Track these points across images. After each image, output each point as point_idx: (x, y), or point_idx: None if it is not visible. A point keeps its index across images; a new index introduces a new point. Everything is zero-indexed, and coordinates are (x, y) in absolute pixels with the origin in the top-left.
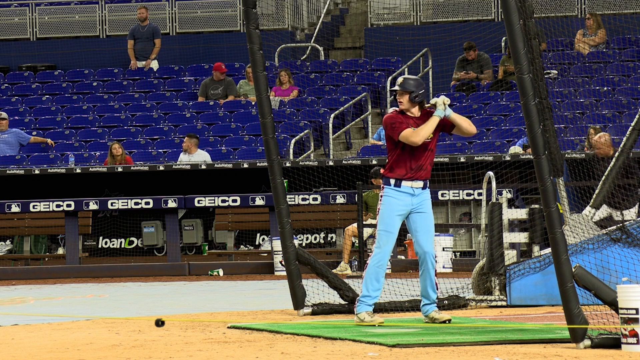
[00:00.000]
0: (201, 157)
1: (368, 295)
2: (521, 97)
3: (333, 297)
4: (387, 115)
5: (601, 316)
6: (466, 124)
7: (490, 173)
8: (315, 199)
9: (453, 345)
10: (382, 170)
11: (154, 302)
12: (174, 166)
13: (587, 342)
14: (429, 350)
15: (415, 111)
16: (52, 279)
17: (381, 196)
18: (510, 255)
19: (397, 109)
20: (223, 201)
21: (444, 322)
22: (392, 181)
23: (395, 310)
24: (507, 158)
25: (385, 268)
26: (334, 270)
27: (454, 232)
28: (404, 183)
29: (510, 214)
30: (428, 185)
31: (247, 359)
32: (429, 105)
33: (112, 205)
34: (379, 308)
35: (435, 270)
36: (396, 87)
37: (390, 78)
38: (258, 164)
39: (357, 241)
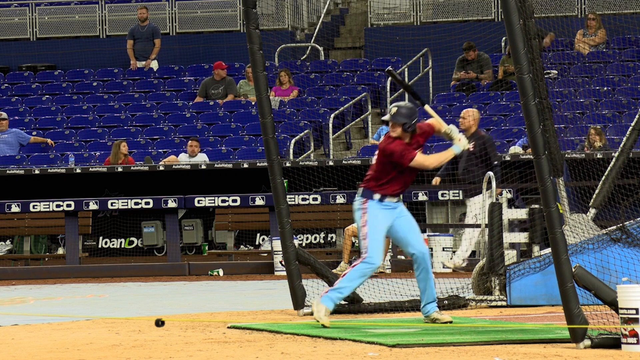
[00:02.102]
0: (200, 157)
1: (341, 289)
2: (521, 97)
3: None
4: (393, 144)
5: (601, 316)
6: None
7: (491, 173)
8: (315, 199)
9: (453, 345)
10: (362, 184)
11: (154, 302)
12: (174, 166)
13: (587, 342)
14: (429, 350)
15: (406, 137)
16: (52, 279)
17: (363, 209)
18: (510, 255)
19: (391, 135)
20: (223, 201)
21: (445, 323)
22: (377, 196)
23: (395, 310)
24: (507, 158)
25: (367, 277)
26: (334, 270)
27: (454, 232)
28: (387, 199)
29: (510, 214)
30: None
31: (247, 359)
32: (436, 118)
33: (112, 205)
34: (379, 308)
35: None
36: (387, 117)
37: (390, 79)
38: (258, 164)
39: (357, 241)
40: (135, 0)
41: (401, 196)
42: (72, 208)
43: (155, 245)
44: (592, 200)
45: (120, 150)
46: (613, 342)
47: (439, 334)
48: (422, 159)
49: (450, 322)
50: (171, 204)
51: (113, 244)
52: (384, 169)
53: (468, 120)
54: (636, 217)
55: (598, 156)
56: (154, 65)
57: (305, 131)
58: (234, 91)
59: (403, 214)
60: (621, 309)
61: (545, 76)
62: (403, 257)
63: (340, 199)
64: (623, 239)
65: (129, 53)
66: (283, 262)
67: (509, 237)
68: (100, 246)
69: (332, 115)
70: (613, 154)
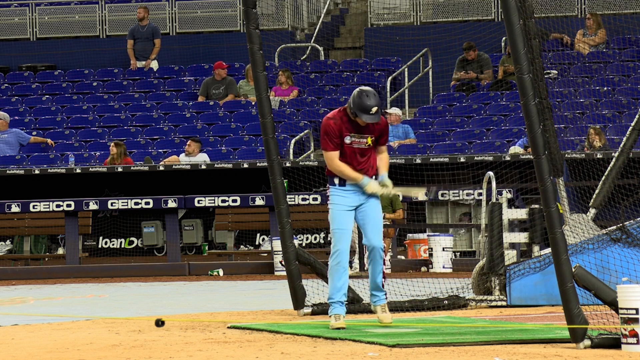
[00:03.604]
0: (200, 157)
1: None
2: (521, 97)
3: None
4: (326, 120)
5: (601, 316)
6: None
7: (490, 173)
8: (315, 199)
9: (453, 345)
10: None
11: (154, 302)
12: (174, 166)
13: (587, 342)
14: (429, 350)
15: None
16: (52, 279)
17: (328, 196)
18: (510, 255)
19: (342, 108)
20: (223, 201)
21: (384, 323)
22: (337, 180)
23: (395, 310)
24: (507, 158)
25: (346, 269)
26: None
27: (454, 232)
28: (348, 182)
29: (510, 214)
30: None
31: (247, 359)
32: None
33: (112, 205)
34: None
35: (384, 264)
36: (384, 111)
37: (390, 78)
38: (258, 164)
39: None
40: (135, 0)
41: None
42: (72, 208)
43: (155, 245)
44: (592, 200)
45: (110, 152)
46: (613, 342)
47: (439, 334)
48: (330, 157)
49: (390, 323)
50: (171, 204)
51: (113, 244)
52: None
53: None
54: (636, 217)
55: (598, 156)
56: (154, 65)
57: (305, 131)
58: (235, 91)
59: (368, 201)
60: (621, 309)
61: (545, 76)
62: (403, 257)
63: None
64: (623, 239)
65: (129, 53)
66: (283, 262)
67: (509, 237)
68: (100, 246)
69: None
70: (613, 154)
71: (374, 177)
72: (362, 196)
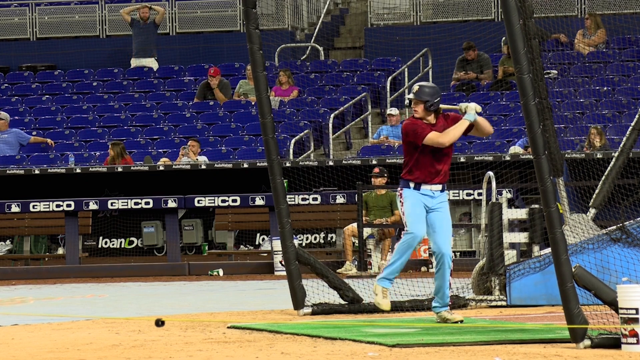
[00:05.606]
0: (199, 158)
1: (392, 264)
2: (521, 97)
3: (333, 297)
4: (408, 122)
5: (601, 316)
6: (487, 125)
7: (490, 173)
8: (315, 199)
9: (453, 345)
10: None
11: (154, 302)
12: (174, 166)
13: (587, 342)
14: (429, 350)
15: (431, 119)
16: (52, 279)
17: (400, 199)
18: (510, 255)
19: (414, 115)
20: (223, 201)
21: (456, 322)
22: (412, 184)
23: (395, 310)
24: (507, 158)
25: (412, 250)
26: (339, 270)
27: (454, 232)
28: (423, 186)
29: (510, 214)
30: (446, 188)
31: (247, 359)
32: (456, 107)
33: (112, 205)
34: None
35: (451, 271)
36: (411, 96)
37: (390, 78)
38: (258, 164)
39: (356, 241)
40: (135, 0)
41: (443, 187)
42: (72, 208)
43: (155, 245)
44: (592, 200)
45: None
46: (613, 342)
47: (439, 334)
48: (435, 136)
49: (462, 321)
50: (171, 204)
51: (113, 244)
52: (408, 150)
53: None
54: (636, 217)
55: (598, 156)
56: (154, 65)
57: (305, 131)
58: (229, 96)
59: (440, 210)
60: (621, 309)
61: (545, 76)
62: None
63: (340, 199)
64: (623, 239)
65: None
66: (283, 262)
67: (509, 237)
68: (100, 246)
69: (332, 115)
70: (613, 154)
71: (442, 185)
72: (434, 201)
